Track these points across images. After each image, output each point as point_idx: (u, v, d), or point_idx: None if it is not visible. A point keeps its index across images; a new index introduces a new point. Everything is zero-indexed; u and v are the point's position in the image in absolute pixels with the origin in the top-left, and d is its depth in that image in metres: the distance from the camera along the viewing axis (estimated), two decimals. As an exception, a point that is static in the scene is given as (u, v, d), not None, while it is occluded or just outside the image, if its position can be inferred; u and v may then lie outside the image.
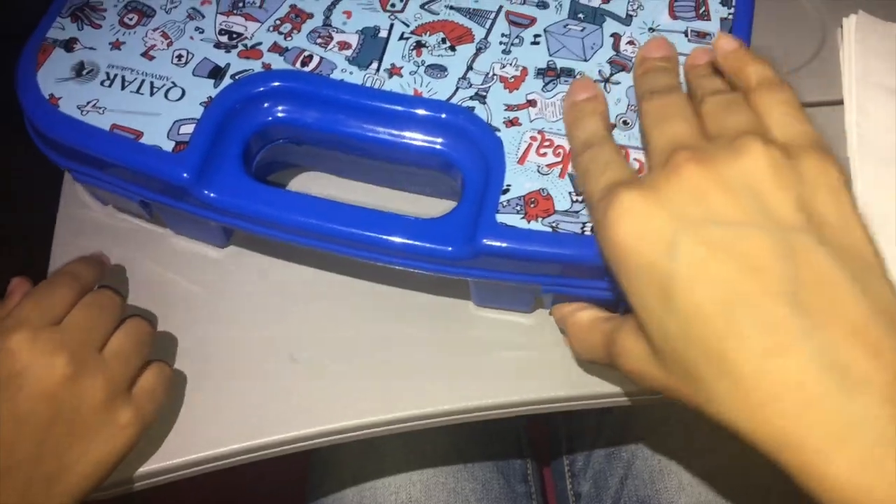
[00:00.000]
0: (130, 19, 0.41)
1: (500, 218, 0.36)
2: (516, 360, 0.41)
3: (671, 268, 0.25)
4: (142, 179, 0.38)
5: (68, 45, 0.40)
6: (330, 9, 0.41)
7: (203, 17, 0.41)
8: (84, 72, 0.39)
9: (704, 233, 0.26)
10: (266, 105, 0.39)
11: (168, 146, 0.37)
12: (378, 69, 0.39)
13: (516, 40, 0.40)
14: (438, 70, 0.39)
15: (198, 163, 0.37)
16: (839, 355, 0.23)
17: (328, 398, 0.40)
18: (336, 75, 0.39)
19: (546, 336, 0.41)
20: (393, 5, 0.41)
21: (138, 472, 0.39)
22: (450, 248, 0.36)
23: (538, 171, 0.37)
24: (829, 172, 0.27)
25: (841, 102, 0.48)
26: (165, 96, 0.39)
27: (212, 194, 0.37)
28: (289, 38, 0.40)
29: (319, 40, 0.40)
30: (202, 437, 0.39)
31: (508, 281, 0.37)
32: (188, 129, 0.38)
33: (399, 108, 0.38)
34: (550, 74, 0.39)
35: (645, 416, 0.57)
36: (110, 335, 0.37)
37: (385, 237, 0.36)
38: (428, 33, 0.40)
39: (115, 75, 0.39)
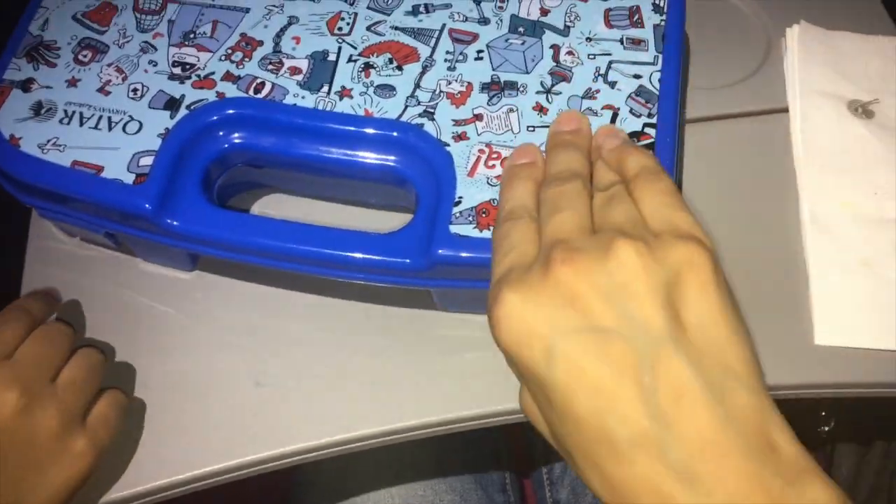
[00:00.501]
0: (85, 56, 0.42)
1: (454, 229, 0.37)
2: (486, 370, 0.42)
3: (548, 375, 0.27)
4: (105, 212, 0.40)
5: (25, 86, 0.41)
6: (279, 35, 0.43)
7: (156, 50, 0.42)
8: (42, 111, 0.40)
9: (576, 341, 0.27)
10: (222, 133, 0.41)
11: (129, 179, 0.39)
12: (329, 92, 0.41)
13: (460, 57, 0.42)
14: (387, 90, 0.41)
15: (158, 193, 0.38)
16: (691, 465, 0.25)
17: (295, 419, 0.41)
18: (289, 100, 0.41)
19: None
20: (340, 29, 0.43)
21: (105, 500, 0.39)
22: (407, 261, 0.38)
23: (488, 183, 0.38)
24: (700, 266, 0.28)
25: (787, 110, 0.50)
26: (123, 130, 0.40)
27: (174, 223, 0.38)
28: (241, 67, 0.42)
29: (270, 67, 0.42)
30: (168, 463, 0.40)
31: (466, 288, 0.39)
32: (147, 160, 0.39)
33: (351, 128, 0.40)
34: (495, 88, 0.41)
35: None
36: (62, 366, 0.37)
37: (344, 254, 0.38)
38: (375, 54, 0.42)
39: (73, 112, 0.40)
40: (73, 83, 0.41)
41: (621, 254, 0.28)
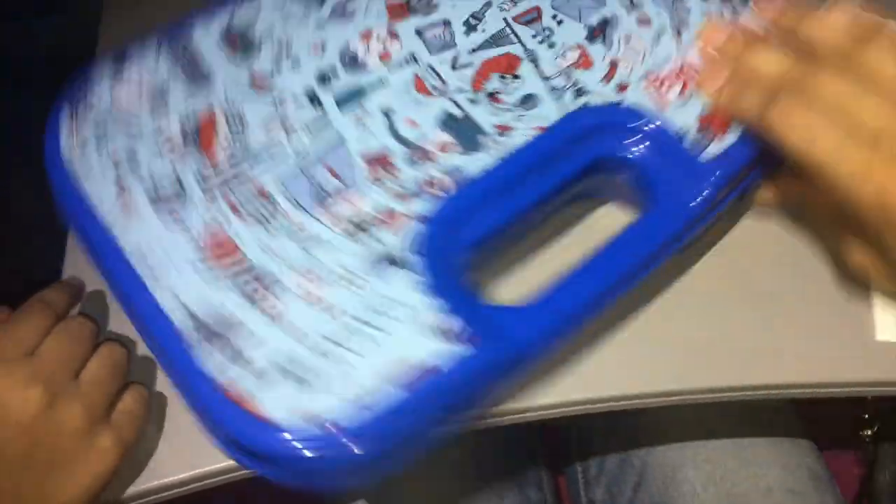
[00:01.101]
0: (254, 291, 0.34)
1: (704, 155, 0.37)
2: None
3: None
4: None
5: (234, 357, 0.33)
6: (393, 131, 0.38)
7: (309, 233, 0.36)
8: (264, 373, 0.33)
9: None
10: (452, 235, 0.36)
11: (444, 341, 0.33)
12: (491, 139, 0.38)
13: (546, 32, 0.41)
14: (529, 100, 0.39)
15: (482, 334, 0.34)
16: None
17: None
18: (470, 171, 0.37)
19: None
20: (435, 87, 0.39)
21: (133, 491, 0.38)
22: (699, 200, 0.37)
23: (683, 104, 0.39)
24: None
25: None
26: (370, 337, 0.34)
27: (522, 340, 0.34)
28: (397, 180, 0.37)
29: (420, 160, 0.37)
30: (199, 454, 0.39)
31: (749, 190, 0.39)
32: (443, 322, 0.34)
33: (545, 151, 0.38)
34: (598, 34, 0.41)
35: (655, 419, 0.56)
36: (86, 362, 0.36)
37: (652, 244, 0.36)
38: (485, 81, 0.39)
39: (296, 361, 0.33)
40: (273, 317, 0.34)
41: None
